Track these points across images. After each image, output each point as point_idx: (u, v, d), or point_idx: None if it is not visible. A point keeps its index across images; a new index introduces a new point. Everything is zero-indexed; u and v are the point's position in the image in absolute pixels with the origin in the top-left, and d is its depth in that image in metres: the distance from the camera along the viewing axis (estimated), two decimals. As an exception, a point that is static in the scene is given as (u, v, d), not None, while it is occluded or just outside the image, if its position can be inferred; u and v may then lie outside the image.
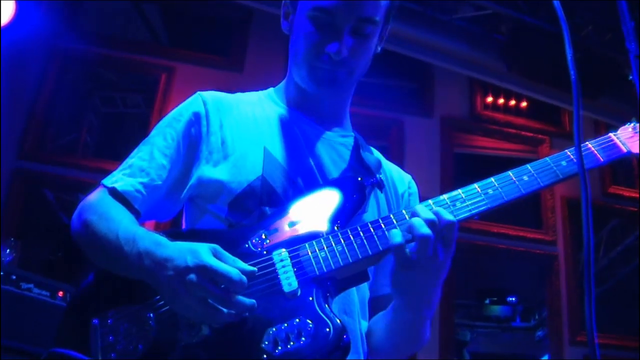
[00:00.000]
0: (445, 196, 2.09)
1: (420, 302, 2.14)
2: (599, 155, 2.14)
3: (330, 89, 2.38)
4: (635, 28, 1.38)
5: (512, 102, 9.31)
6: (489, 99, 9.24)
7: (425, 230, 1.94)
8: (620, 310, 11.72)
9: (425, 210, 1.99)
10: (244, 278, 1.89)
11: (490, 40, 7.65)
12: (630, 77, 1.38)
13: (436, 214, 1.98)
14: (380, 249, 2.03)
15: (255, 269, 1.98)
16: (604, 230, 11.01)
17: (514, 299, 12.90)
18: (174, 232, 2.12)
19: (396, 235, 1.98)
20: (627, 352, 8.52)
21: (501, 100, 9.28)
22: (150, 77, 8.42)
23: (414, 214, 2.01)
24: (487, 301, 12.99)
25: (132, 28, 9.03)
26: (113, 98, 9.86)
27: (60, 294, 4.86)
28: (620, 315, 11.42)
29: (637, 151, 2.14)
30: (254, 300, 1.90)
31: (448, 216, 1.97)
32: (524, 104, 9.31)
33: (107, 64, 8.74)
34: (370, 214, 2.33)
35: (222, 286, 1.86)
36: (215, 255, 1.91)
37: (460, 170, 8.72)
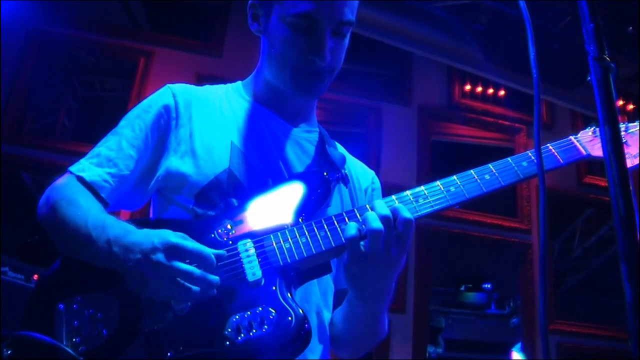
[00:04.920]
0: (408, 192, 2.16)
1: (373, 296, 2.19)
2: (558, 157, 2.25)
3: (315, 96, 2.45)
4: (594, 30, 1.42)
5: (490, 91, 9.33)
6: (467, 88, 9.27)
7: (377, 224, 1.99)
8: (594, 299, 11.90)
9: (382, 206, 2.06)
10: (213, 256, 1.96)
11: (469, 29, 7.68)
12: (589, 79, 1.42)
13: (394, 210, 2.04)
14: (343, 241, 2.07)
15: (224, 251, 2.05)
16: (578, 220, 11.12)
17: (489, 286, 13.02)
18: (142, 221, 2.15)
19: (351, 228, 2.04)
20: (601, 341, 8.63)
21: (479, 89, 9.31)
22: (130, 61, 8.37)
23: (372, 208, 2.07)
24: (462, 288, 13.11)
25: (112, 12, 8.98)
26: (92, 82, 9.82)
27: (36, 277, 4.87)
28: (594, 304, 11.59)
29: (597, 154, 2.24)
30: (217, 277, 1.96)
31: (405, 214, 2.03)
32: (501, 92, 9.34)
33: (87, 48, 8.68)
34: (334, 208, 2.38)
35: (194, 264, 1.93)
36: (183, 239, 1.97)
37: (438, 158, 8.76)
